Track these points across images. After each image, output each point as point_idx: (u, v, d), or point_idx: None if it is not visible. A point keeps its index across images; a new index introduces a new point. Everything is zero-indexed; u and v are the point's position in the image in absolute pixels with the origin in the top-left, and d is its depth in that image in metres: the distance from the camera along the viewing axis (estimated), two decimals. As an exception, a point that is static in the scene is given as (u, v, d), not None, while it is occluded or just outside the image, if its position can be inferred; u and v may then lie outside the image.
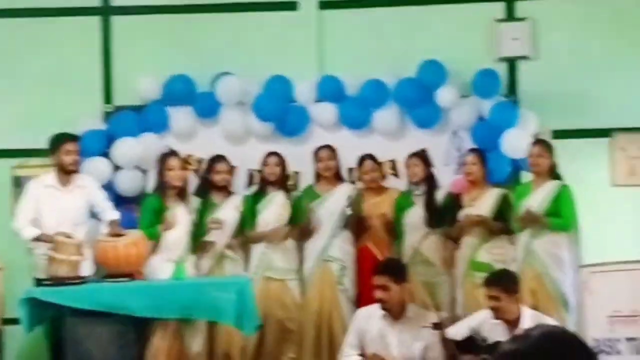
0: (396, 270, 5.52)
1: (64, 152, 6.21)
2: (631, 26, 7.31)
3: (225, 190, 6.82)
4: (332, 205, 6.78)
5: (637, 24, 7.31)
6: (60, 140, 6.27)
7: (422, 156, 6.84)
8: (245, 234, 6.76)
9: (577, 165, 6.52)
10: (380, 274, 5.40)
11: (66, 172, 6.25)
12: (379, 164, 6.92)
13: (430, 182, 6.76)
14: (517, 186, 6.61)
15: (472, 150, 6.76)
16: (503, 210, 6.52)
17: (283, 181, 6.83)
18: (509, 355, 1.76)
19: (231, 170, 6.85)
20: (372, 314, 5.45)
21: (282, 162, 6.81)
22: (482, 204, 6.55)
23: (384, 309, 5.34)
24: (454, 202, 6.67)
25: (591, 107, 7.22)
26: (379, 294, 5.33)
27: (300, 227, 6.74)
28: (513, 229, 6.46)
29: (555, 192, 6.35)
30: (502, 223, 6.50)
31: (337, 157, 6.87)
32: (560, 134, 6.98)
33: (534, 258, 6.30)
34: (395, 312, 5.35)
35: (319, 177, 6.94)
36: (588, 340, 5.14)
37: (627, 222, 6.98)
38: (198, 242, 6.55)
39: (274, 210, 6.74)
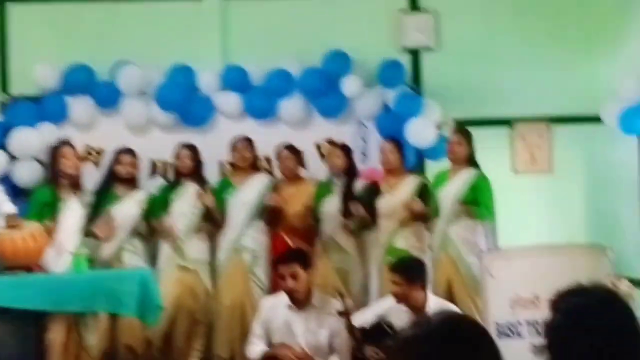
0: (303, 257, 5.48)
1: None
2: (531, 18, 7.47)
3: (129, 183, 6.69)
4: (246, 195, 6.74)
5: (537, 16, 7.47)
6: None
7: (343, 147, 6.84)
8: (152, 223, 6.65)
9: (480, 154, 6.60)
10: (289, 262, 5.33)
11: None
12: (296, 152, 6.88)
13: (350, 173, 6.76)
14: (435, 174, 6.66)
15: (388, 138, 6.77)
16: (421, 198, 6.56)
17: (196, 172, 6.75)
18: (409, 341, 1.77)
19: (136, 163, 6.72)
20: (277, 303, 5.41)
21: (194, 154, 6.73)
22: (401, 191, 6.58)
23: (293, 298, 5.29)
24: (373, 190, 6.69)
25: (492, 97, 7.35)
26: (290, 283, 5.25)
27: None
28: (430, 216, 6.52)
29: (472, 180, 6.44)
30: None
31: (254, 148, 6.82)
32: (463, 124, 7.06)
33: (450, 244, 6.40)
34: (301, 300, 5.33)
35: (234, 167, 6.87)
36: (491, 323, 5.22)
37: (529, 208, 7.14)
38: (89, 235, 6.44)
39: (188, 201, 6.66)
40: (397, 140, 6.73)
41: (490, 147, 6.77)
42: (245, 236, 6.69)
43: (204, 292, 6.65)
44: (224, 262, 6.70)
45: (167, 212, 6.65)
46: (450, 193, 6.43)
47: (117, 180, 6.62)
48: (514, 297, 5.31)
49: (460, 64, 7.42)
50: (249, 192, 6.76)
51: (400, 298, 5.26)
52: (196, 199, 6.66)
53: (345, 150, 6.84)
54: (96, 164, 6.98)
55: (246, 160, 6.81)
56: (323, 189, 6.81)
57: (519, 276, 5.40)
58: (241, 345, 6.52)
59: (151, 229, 6.68)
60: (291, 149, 6.85)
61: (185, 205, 6.67)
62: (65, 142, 6.51)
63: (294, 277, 5.26)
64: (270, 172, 7.05)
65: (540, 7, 7.49)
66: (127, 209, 6.59)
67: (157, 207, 6.67)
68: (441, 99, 7.22)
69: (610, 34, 7.36)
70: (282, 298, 5.41)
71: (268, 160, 7.15)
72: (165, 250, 6.65)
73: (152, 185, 6.97)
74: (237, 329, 6.61)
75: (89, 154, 7.02)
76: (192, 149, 6.75)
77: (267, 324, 5.38)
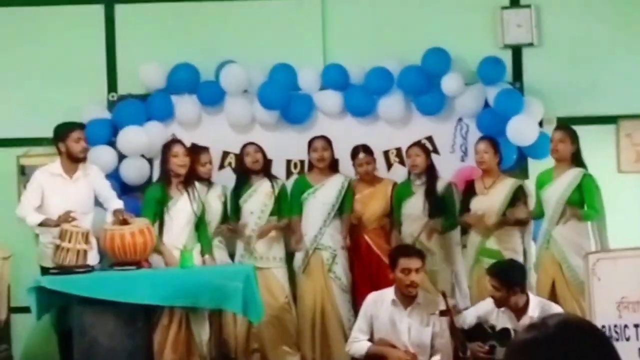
0: (422, 252, 5.59)
1: (73, 140, 6.17)
2: (636, 12, 7.30)
3: (207, 181, 6.81)
4: (325, 195, 6.79)
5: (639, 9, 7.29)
6: (67, 128, 6.23)
7: (423, 146, 6.84)
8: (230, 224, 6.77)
9: (584, 152, 6.49)
10: (415, 257, 5.41)
11: (75, 161, 6.22)
12: (372, 153, 6.89)
13: (430, 172, 6.75)
14: (538, 173, 6.56)
15: (484, 138, 6.70)
16: (516, 201, 6.49)
17: (266, 169, 6.83)
18: (527, 345, 1.75)
19: (210, 162, 6.84)
20: (382, 298, 5.46)
21: (261, 150, 6.81)
22: (496, 193, 6.52)
23: (410, 294, 5.35)
24: (468, 189, 6.65)
25: (596, 94, 7.22)
26: (413, 277, 5.32)
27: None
28: (524, 220, 6.45)
29: (577, 180, 6.28)
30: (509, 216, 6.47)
31: (332, 147, 6.86)
32: (566, 121, 6.96)
33: (554, 245, 6.27)
34: (408, 298, 5.37)
35: (311, 166, 6.94)
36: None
37: (634, 209, 6.99)
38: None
39: (259, 199, 6.75)
40: (492, 139, 6.65)
41: (594, 146, 6.64)
42: (323, 235, 6.74)
43: (281, 291, 6.72)
44: (302, 261, 6.78)
45: (240, 212, 6.76)
46: (555, 193, 6.29)
47: (197, 179, 6.66)
48: (620, 300, 5.22)
49: (562, 60, 7.31)
50: (328, 193, 6.80)
51: (500, 302, 5.25)
52: (267, 198, 6.71)
53: (425, 149, 6.81)
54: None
55: (325, 160, 6.84)
56: (402, 192, 6.80)
57: (625, 278, 5.30)
58: (322, 343, 6.65)
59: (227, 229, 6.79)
60: (366, 150, 6.85)
61: (256, 203, 6.75)
62: (176, 141, 6.66)
63: (418, 272, 5.33)
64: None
65: (644, -1, 7.32)
66: (212, 205, 6.71)
67: (231, 208, 6.78)
68: (543, 96, 7.14)
69: None
70: (386, 294, 5.45)
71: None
72: (240, 248, 6.77)
73: (221, 177, 7.07)
74: (317, 327, 6.69)
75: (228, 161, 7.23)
76: (259, 146, 6.82)
77: (371, 320, 5.44)
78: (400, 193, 6.79)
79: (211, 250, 6.52)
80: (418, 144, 6.87)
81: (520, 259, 6.37)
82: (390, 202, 6.84)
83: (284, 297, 6.72)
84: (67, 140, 6.18)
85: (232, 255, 6.83)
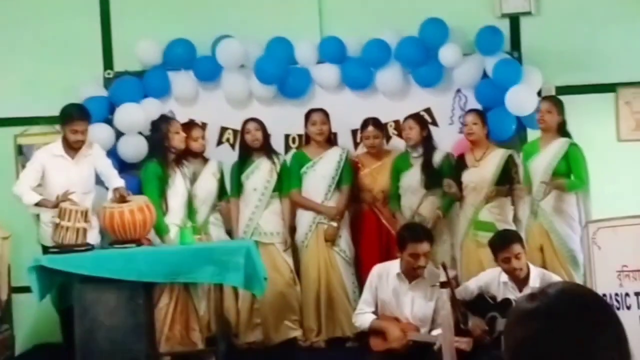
0: (431, 235, 5.65)
1: (70, 130, 6.13)
2: (634, -20, 7.24)
3: (200, 156, 6.79)
4: (324, 168, 6.78)
5: (640, -22, 7.24)
6: (69, 117, 6.16)
7: (417, 118, 6.81)
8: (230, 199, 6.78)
9: (582, 121, 6.48)
10: (425, 241, 5.45)
11: (70, 147, 6.20)
12: (382, 127, 6.87)
13: (427, 144, 6.72)
14: (524, 145, 6.55)
15: (472, 110, 6.73)
16: (508, 171, 6.49)
17: (266, 146, 6.80)
18: (530, 314, 1.74)
19: (203, 137, 6.82)
20: (387, 271, 5.49)
21: (262, 127, 6.78)
22: (487, 163, 6.51)
23: (419, 275, 5.36)
24: (458, 162, 6.64)
25: (595, 62, 7.17)
26: (421, 262, 5.38)
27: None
28: (516, 190, 6.45)
29: (564, 150, 6.30)
30: (504, 185, 6.46)
31: (329, 121, 6.84)
32: (565, 90, 6.95)
33: (541, 214, 6.30)
34: (413, 272, 5.39)
35: (308, 140, 6.91)
36: (597, 295, 5.15)
37: (634, 177, 6.96)
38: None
39: (261, 176, 6.73)
40: (479, 111, 6.65)
41: (593, 114, 6.62)
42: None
43: (286, 266, 6.72)
44: (305, 235, 6.77)
45: (242, 188, 6.74)
46: (542, 163, 6.30)
47: (190, 154, 6.69)
48: (621, 268, 5.23)
49: (560, 29, 7.25)
50: (327, 165, 6.79)
51: (520, 270, 5.27)
52: (268, 175, 6.70)
53: (420, 120, 6.78)
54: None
55: (324, 133, 6.82)
56: (400, 163, 6.79)
57: (626, 246, 5.31)
58: (328, 316, 6.67)
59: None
60: (376, 124, 6.83)
61: (259, 180, 6.73)
62: (171, 117, 6.65)
63: (426, 255, 5.35)
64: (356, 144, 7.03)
65: (644, -35, 7.26)
66: (206, 183, 6.70)
67: (233, 184, 6.77)
68: (541, 66, 7.08)
69: None
70: (392, 267, 5.48)
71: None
72: (243, 225, 6.73)
73: (219, 153, 7.06)
74: (324, 301, 6.70)
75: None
76: (260, 122, 6.79)
77: (376, 292, 5.46)
78: (399, 165, 6.78)
79: (207, 229, 6.51)
80: (413, 116, 6.84)
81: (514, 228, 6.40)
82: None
83: (288, 273, 6.71)
84: (66, 128, 6.15)
85: (229, 232, 6.82)
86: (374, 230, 6.78)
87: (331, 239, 6.70)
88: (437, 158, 6.70)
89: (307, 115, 6.86)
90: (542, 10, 7.28)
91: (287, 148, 7.20)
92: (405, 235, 5.52)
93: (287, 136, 7.22)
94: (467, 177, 6.54)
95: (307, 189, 6.81)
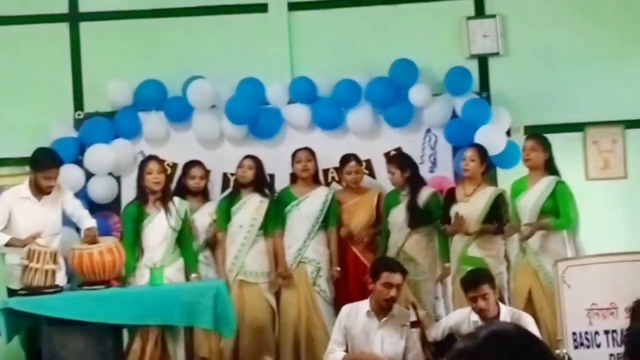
0: (404, 268, 5.60)
1: (43, 176, 6.07)
2: (599, 20, 7.36)
3: (200, 195, 6.79)
4: (308, 207, 6.78)
5: (605, 18, 7.36)
6: (42, 164, 6.11)
7: (396, 162, 6.82)
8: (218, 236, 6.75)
9: (551, 160, 6.51)
10: (398, 272, 5.42)
11: (40, 192, 6.16)
12: (361, 164, 6.91)
13: (412, 182, 6.74)
14: (513, 182, 6.57)
15: (473, 145, 6.69)
16: (497, 209, 6.50)
17: (258, 183, 6.80)
18: (458, 354, 1.77)
19: (206, 175, 6.81)
20: (357, 310, 5.47)
21: (256, 165, 6.78)
22: (477, 200, 6.52)
23: (388, 308, 5.36)
24: (448, 195, 6.66)
25: (563, 102, 7.26)
26: (393, 292, 5.34)
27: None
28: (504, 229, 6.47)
29: (551, 188, 6.29)
30: (492, 224, 6.48)
31: (315, 159, 6.87)
32: (533, 129, 7.00)
33: (529, 253, 6.26)
34: (382, 310, 5.38)
35: (295, 179, 6.92)
36: (568, 333, 5.17)
37: (602, 216, 7.02)
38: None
39: (248, 213, 6.72)
40: (480, 147, 6.64)
41: (561, 154, 6.66)
42: (307, 248, 6.73)
43: (267, 306, 6.69)
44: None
45: (229, 224, 6.72)
46: (529, 201, 6.30)
47: (189, 193, 6.72)
48: (590, 307, 5.25)
49: (528, 69, 7.35)
50: (312, 204, 6.79)
51: (489, 310, 5.26)
52: (255, 212, 6.69)
53: (400, 163, 6.81)
54: (170, 177, 7.08)
55: (309, 171, 6.84)
56: (390, 199, 6.82)
57: (595, 284, 5.34)
58: (307, 356, 6.62)
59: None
60: (357, 159, 6.87)
61: (245, 217, 6.73)
62: (151, 158, 6.63)
63: (399, 288, 5.34)
64: (339, 183, 7.07)
65: (609, 7, 7.37)
66: (201, 221, 6.69)
67: (220, 219, 6.75)
68: (510, 105, 7.18)
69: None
70: (361, 305, 5.46)
71: (337, 170, 7.15)
72: (228, 263, 6.70)
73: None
74: (303, 340, 6.66)
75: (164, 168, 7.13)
76: (255, 160, 6.80)
77: (346, 331, 5.44)
78: (389, 201, 6.82)
79: (196, 268, 6.49)
80: (392, 159, 6.88)
81: (503, 266, 6.41)
82: (377, 212, 6.84)
83: (269, 314, 6.68)
84: (38, 174, 6.10)
85: None
86: (351, 268, 6.77)
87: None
88: (424, 195, 6.71)
89: (293, 155, 6.87)
90: (510, 51, 7.38)
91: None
92: (380, 265, 5.55)
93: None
94: (455, 212, 6.53)
95: (291, 227, 6.79)
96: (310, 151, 6.87)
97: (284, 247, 6.75)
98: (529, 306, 6.01)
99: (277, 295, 6.78)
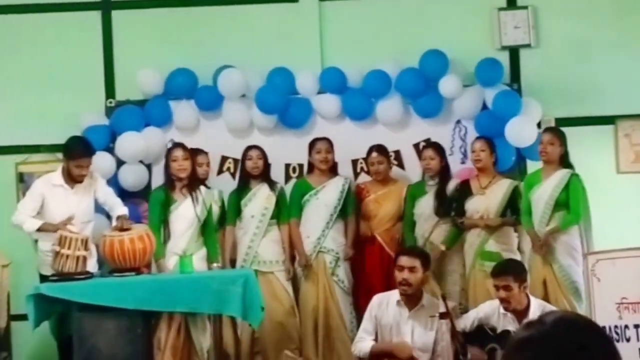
0: (425, 255, 5.58)
1: (75, 165, 6.13)
2: (632, 11, 7.30)
3: (203, 183, 6.80)
4: (327, 197, 6.79)
5: (636, 10, 7.30)
6: (74, 153, 6.17)
7: (437, 148, 6.83)
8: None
9: (582, 153, 6.49)
10: (410, 255, 5.43)
11: (71, 179, 6.22)
12: (386, 154, 6.90)
13: (444, 173, 6.76)
14: (526, 175, 6.57)
15: (480, 137, 6.74)
16: (513, 202, 6.51)
17: (266, 174, 6.83)
18: (525, 342, 1.74)
19: (263, 156, 6.83)
20: (388, 300, 5.48)
21: (263, 155, 6.81)
22: (493, 193, 6.53)
23: (404, 292, 5.34)
24: (462, 188, 6.66)
25: (594, 94, 7.21)
26: (405, 274, 5.33)
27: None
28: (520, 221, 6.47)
29: (565, 181, 6.30)
30: (509, 217, 6.48)
31: (333, 150, 6.87)
32: (564, 122, 6.98)
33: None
34: (412, 300, 5.37)
35: (311, 168, 6.93)
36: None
37: (633, 209, 6.97)
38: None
39: (259, 203, 6.75)
40: (488, 139, 6.67)
41: (592, 146, 6.65)
42: (326, 238, 6.74)
43: (286, 295, 6.72)
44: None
45: (239, 218, 6.76)
46: (543, 194, 6.31)
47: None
48: (620, 300, 5.23)
49: (560, 61, 7.31)
50: (330, 193, 6.80)
51: (510, 302, 5.24)
52: (266, 202, 6.72)
53: (439, 150, 6.81)
54: (233, 173, 7.14)
55: (328, 162, 6.85)
56: (416, 191, 6.81)
57: (625, 278, 5.32)
58: (325, 346, 6.65)
59: None
60: (381, 150, 6.86)
61: (256, 207, 6.75)
62: (177, 145, 6.67)
63: (412, 270, 5.33)
64: (367, 173, 7.07)
65: (641, -1, 7.32)
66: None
67: (230, 211, 6.78)
68: (541, 98, 7.13)
69: None
70: (392, 295, 5.47)
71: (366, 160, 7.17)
72: (242, 253, 6.75)
73: (220, 182, 7.08)
74: (322, 330, 6.68)
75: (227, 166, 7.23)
76: (261, 150, 6.82)
77: (376, 321, 5.45)
78: (414, 192, 6.82)
79: (218, 258, 6.53)
80: (433, 145, 6.87)
81: (518, 257, 6.39)
82: (404, 203, 6.84)
83: (288, 302, 6.71)
84: (70, 162, 6.16)
85: (233, 261, 6.82)
86: (376, 258, 6.77)
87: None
88: (450, 187, 6.73)
89: (312, 144, 6.88)
90: (541, 43, 7.34)
91: (288, 177, 7.21)
92: (399, 251, 5.56)
93: (287, 165, 7.24)
94: (472, 205, 6.55)
95: (309, 217, 6.81)
96: (329, 142, 6.87)
97: (302, 237, 6.77)
98: (545, 298, 6.00)
99: (294, 284, 6.81)
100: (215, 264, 6.42)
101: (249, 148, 6.83)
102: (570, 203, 6.27)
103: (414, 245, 6.20)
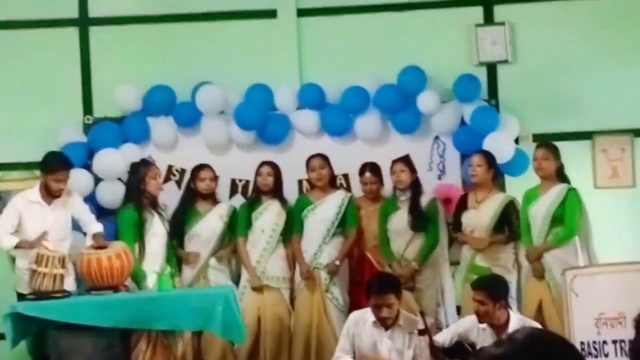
0: (397, 286, 5.52)
1: (53, 179, 6.10)
2: (609, 27, 7.34)
3: (210, 198, 6.81)
4: (324, 212, 6.78)
5: (614, 25, 7.35)
6: (52, 167, 6.14)
7: (406, 162, 6.83)
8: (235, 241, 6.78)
9: (559, 169, 6.50)
10: (386, 292, 5.36)
11: (50, 195, 6.18)
12: (379, 172, 6.87)
13: (415, 187, 6.75)
14: (525, 191, 6.57)
15: (479, 151, 6.72)
16: (507, 217, 6.52)
17: (277, 190, 6.82)
18: (495, 358, 1.74)
19: (215, 178, 6.83)
20: (364, 318, 5.46)
21: (275, 172, 6.79)
22: (485, 208, 6.53)
23: (385, 325, 5.33)
24: (460, 201, 6.66)
25: (571, 110, 7.25)
26: (385, 312, 5.32)
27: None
28: (515, 236, 6.47)
29: (562, 196, 6.31)
30: (498, 236, 6.49)
31: (329, 165, 6.86)
32: (542, 137, 7.01)
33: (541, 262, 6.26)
34: (389, 322, 5.37)
35: (312, 185, 6.93)
36: (576, 343, 5.15)
37: (611, 224, 7.00)
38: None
39: (270, 218, 6.74)
40: (487, 153, 6.67)
41: (570, 162, 6.66)
42: (322, 253, 6.72)
43: (287, 312, 6.71)
44: (300, 280, 6.74)
45: (249, 230, 6.74)
46: (541, 209, 6.31)
47: (199, 196, 6.74)
48: (598, 316, 5.24)
49: (537, 77, 7.34)
50: (327, 209, 6.79)
51: (484, 316, 5.24)
52: (277, 217, 6.71)
53: (409, 163, 6.81)
54: (178, 183, 7.11)
55: (323, 178, 6.84)
56: (388, 207, 6.79)
57: (603, 293, 5.34)
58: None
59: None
60: (374, 170, 6.85)
61: (267, 222, 6.74)
62: (151, 162, 6.66)
63: (391, 307, 5.31)
64: (347, 189, 7.08)
65: (618, 15, 7.35)
66: (211, 224, 6.70)
67: (241, 224, 6.76)
68: (518, 113, 7.18)
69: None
70: (368, 314, 5.45)
71: (345, 177, 7.18)
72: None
73: (232, 204, 7.06)
74: (313, 347, 6.63)
75: (172, 173, 7.17)
76: (274, 166, 6.82)
77: (353, 339, 5.43)
78: (386, 209, 6.79)
79: (205, 272, 6.55)
80: (402, 159, 6.85)
81: (513, 275, 6.41)
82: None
83: (288, 321, 6.69)
84: (48, 176, 6.12)
85: (239, 276, 6.79)
86: (366, 275, 6.72)
87: (332, 274, 6.68)
88: (423, 202, 6.71)
89: (307, 162, 6.87)
90: (518, 59, 7.38)
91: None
92: (370, 287, 5.50)
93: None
94: (465, 219, 6.56)
95: (307, 232, 6.79)
96: (323, 158, 6.86)
97: (302, 251, 6.75)
98: (539, 315, 6.00)
99: (292, 300, 6.79)
100: (176, 278, 6.43)
101: (262, 164, 6.82)
102: (565, 218, 6.26)
103: (385, 278, 6.07)
